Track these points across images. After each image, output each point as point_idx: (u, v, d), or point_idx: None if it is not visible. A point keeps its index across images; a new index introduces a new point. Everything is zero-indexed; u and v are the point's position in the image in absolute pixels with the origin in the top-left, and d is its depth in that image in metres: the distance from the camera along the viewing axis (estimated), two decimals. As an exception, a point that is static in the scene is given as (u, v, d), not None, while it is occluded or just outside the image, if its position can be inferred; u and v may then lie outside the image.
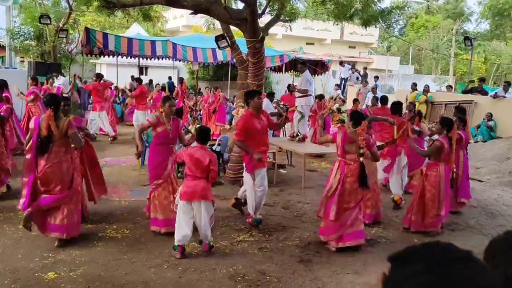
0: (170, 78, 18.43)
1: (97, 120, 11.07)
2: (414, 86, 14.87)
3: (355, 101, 11.38)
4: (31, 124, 4.68)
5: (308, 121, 11.90)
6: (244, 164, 5.56)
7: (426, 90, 14.21)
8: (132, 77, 18.61)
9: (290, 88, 11.85)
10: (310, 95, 9.14)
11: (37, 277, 3.96)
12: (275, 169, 8.13)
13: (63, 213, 4.63)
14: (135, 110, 11.96)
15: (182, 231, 4.50)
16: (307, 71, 9.13)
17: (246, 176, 5.51)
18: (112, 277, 4.04)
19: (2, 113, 6.40)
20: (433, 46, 35.34)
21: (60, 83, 12.20)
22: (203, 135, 4.77)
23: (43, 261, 4.28)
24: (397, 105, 7.19)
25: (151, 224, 5.19)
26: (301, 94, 9.03)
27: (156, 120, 5.19)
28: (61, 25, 14.43)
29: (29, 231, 4.63)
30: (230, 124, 11.30)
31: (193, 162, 4.55)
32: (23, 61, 19.12)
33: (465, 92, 14.86)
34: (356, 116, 4.99)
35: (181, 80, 13.46)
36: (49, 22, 13.49)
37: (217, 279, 4.11)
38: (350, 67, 19.28)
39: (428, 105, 13.91)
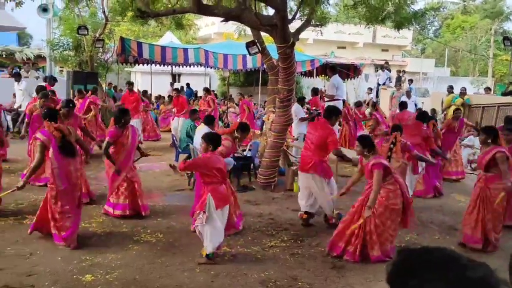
0: (188, 85, 18.61)
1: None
2: (450, 89, 14.46)
3: (374, 104, 11.21)
4: (41, 136, 4.89)
5: (340, 125, 11.77)
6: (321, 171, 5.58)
7: (463, 92, 13.81)
8: (171, 84, 19.04)
9: (316, 92, 11.87)
10: (338, 99, 9.11)
11: (75, 279, 4.10)
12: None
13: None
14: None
15: (219, 239, 4.50)
16: (336, 75, 9.10)
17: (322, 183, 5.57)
18: (147, 281, 4.13)
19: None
20: (470, 47, 34.29)
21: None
22: (213, 141, 4.73)
23: (81, 264, 4.42)
24: (422, 114, 7.40)
25: None
26: (329, 99, 9.04)
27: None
28: (97, 35, 14.91)
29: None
30: (261, 129, 11.34)
31: (223, 168, 4.61)
32: (62, 71, 19.87)
33: (504, 94, 14.34)
34: (364, 141, 4.87)
35: (207, 90, 13.63)
36: (86, 32, 13.96)
37: (249, 284, 4.12)
38: (389, 73, 18.91)
39: (466, 108, 13.49)
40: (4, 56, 21.83)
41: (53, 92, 9.77)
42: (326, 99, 9.15)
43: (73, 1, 11.22)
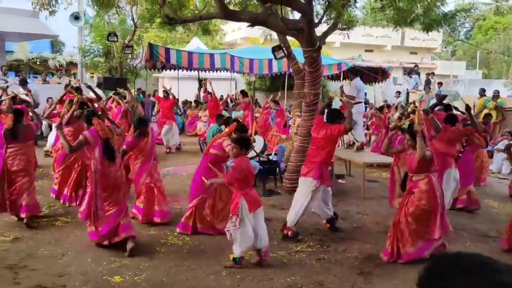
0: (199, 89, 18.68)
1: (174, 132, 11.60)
2: (482, 92, 14.05)
3: (409, 115, 10.81)
4: (89, 135, 4.85)
5: (368, 129, 11.63)
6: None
7: (496, 95, 13.38)
8: (199, 89, 19.23)
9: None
10: (360, 102, 9.05)
11: (105, 280, 4.19)
12: (333, 179, 8.00)
13: None
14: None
15: (247, 244, 4.47)
16: (358, 78, 9.03)
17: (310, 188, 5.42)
18: (173, 283, 4.17)
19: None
20: (503, 48, 33.23)
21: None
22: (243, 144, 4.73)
23: (110, 265, 4.51)
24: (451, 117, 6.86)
25: None
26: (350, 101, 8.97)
27: None
28: (126, 41, 15.28)
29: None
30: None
31: (251, 172, 4.63)
32: (93, 77, 20.41)
33: (540, 96, 13.81)
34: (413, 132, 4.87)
35: (245, 93, 13.68)
36: (116, 39, 14.31)
37: (275, 289, 4.11)
38: (418, 78, 18.53)
39: (499, 112, 13.07)
40: (38, 63, 22.63)
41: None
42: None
43: (103, 9, 11.51)
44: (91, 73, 20.63)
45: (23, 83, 11.42)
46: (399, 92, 17.86)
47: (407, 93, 17.96)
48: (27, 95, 8.04)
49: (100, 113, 5.94)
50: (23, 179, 5.64)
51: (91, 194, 4.83)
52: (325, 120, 5.59)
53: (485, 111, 12.14)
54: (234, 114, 13.91)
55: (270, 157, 8.29)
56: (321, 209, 5.62)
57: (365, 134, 12.08)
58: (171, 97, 11.78)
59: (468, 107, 6.57)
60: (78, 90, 10.28)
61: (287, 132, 10.97)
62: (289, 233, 5.40)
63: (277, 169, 8.11)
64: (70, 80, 12.19)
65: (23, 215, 5.60)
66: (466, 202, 6.88)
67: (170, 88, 12.19)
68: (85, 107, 7.07)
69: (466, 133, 6.50)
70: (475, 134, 6.69)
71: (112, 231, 4.86)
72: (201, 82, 16.11)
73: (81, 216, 5.04)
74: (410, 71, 19.16)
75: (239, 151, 4.57)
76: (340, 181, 8.46)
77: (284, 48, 8.29)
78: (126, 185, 5.22)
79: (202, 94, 16.01)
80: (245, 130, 5.94)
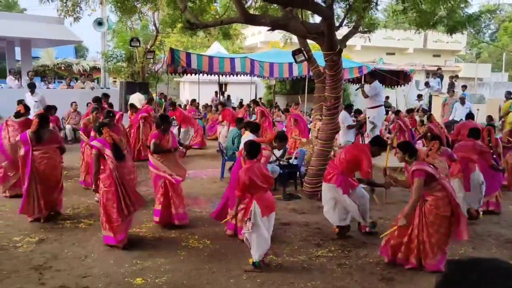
0: (228, 97, 18.64)
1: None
2: (508, 95, 13.71)
3: (430, 117, 10.63)
4: (97, 144, 5.21)
5: (390, 133, 11.49)
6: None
7: (523, 98, 13.04)
8: (216, 93, 19.37)
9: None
10: (380, 105, 9.00)
11: (127, 282, 4.24)
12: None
13: None
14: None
15: (265, 247, 4.50)
16: (376, 81, 8.98)
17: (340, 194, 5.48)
18: (194, 286, 4.19)
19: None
20: (530, 50, 32.39)
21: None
22: (252, 151, 4.75)
23: (132, 267, 4.56)
24: (474, 131, 6.93)
25: None
26: (371, 105, 8.94)
27: None
28: (148, 47, 15.51)
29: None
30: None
31: (263, 176, 4.59)
32: (115, 81, 20.79)
33: None
34: (405, 147, 4.81)
35: (256, 102, 13.70)
36: (138, 44, 14.54)
37: (295, 294, 4.08)
38: (439, 80, 18.26)
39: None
40: (63, 68, 23.20)
41: (111, 105, 10.21)
42: (368, 105, 9.09)
43: (126, 14, 11.73)
44: (113, 78, 21.01)
45: (31, 86, 11.52)
46: (420, 95, 17.58)
47: (430, 96, 17.67)
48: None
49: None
50: (51, 181, 5.94)
51: (113, 193, 4.96)
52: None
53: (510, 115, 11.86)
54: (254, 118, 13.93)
55: (291, 161, 8.27)
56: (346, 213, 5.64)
57: (387, 138, 11.93)
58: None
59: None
60: (107, 96, 10.52)
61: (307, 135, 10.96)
62: (367, 229, 5.68)
63: (297, 173, 8.08)
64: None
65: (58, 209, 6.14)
66: (495, 205, 6.99)
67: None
68: (111, 115, 7.24)
69: (481, 151, 6.55)
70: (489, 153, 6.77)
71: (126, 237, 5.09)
72: (221, 86, 16.22)
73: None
74: (433, 74, 18.87)
75: (247, 155, 4.69)
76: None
77: (304, 52, 8.27)
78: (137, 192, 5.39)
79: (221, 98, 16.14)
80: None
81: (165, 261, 4.73)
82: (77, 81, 17.52)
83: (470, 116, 9.32)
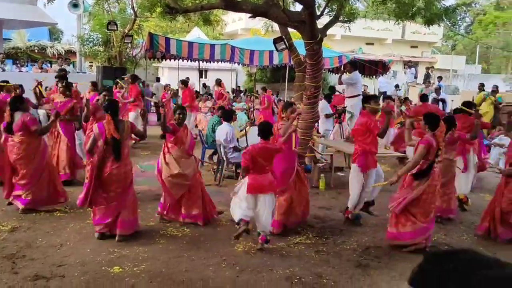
0: (158, 79, 18.69)
1: None
2: (481, 87, 14.05)
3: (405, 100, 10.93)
4: (95, 129, 4.91)
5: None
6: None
7: (495, 90, 13.38)
8: (219, 81, 19.23)
9: (333, 90, 11.95)
10: (359, 95, 9.14)
11: (104, 271, 4.19)
12: (332, 171, 8.01)
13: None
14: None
15: (243, 211, 4.67)
16: (356, 72, 9.09)
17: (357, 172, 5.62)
18: (173, 274, 4.18)
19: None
20: (503, 43, 33.17)
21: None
22: (265, 131, 4.84)
23: (109, 256, 4.51)
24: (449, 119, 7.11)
25: None
26: (350, 95, 9.07)
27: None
28: (126, 31, 15.15)
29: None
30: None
31: (262, 157, 4.66)
32: (92, 66, 20.28)
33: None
34: (431, 119, 4.95)
35: (218, 82, 13.69)
36: (115, 28, 14.20)
37: (274, 280, 4.12)
38: (413, 71, 18.58)
39: (497, 107, 13.08)
40: (36, 51, 22.46)
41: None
42: (347, 94, 9.22)
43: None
44: (90, 62, 20.51)
45: None
46: (397, 85, 17.84)
47: (407, 87, 17.96)
48: None
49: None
50: (25, 168, 5.69)
51: (89, 182, 4.83)
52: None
53: (484, 106, 12.17)
54: (235, 105, 13.93)
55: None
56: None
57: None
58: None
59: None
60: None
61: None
62: (349, 216, 5.76)
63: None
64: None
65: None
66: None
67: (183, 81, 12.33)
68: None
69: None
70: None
71: (110, 223, 4.91)
72: (202, 72, 16.10)
73: (78, 202, 5.04)
74: (405, 65, 19.19)
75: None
76: (339, 173, 8.47)
77: (285, 40, 8.23)
78: (131, 184, 5.13)
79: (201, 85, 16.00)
80: (290, 104, 5.85)
81: (144, 250, 4.69)
82: (50, 65, 17.02)
83: (425, 99, 9.70)
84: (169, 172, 5.38)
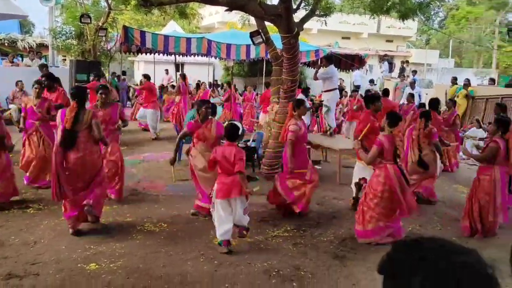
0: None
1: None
2: (454, 80, 14.39)
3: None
4: (58, 116, 4.80)
5: (344, 116, 11.77)
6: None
7: (467, 84, 13.72)
8: (167, 71, 18.99)
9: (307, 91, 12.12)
10: (335, 89, 9.25)
11: (80, 268, 4.13)
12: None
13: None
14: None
15: (224, 227, 4.53)
16: (332, 66, 9.18)
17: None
18: (150, 269, 4.15)
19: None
20: (475, 38, 34.00)
21: None
22: (231, 133, 4.80)
23: (85, 253, 4.44)
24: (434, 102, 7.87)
25: None
26: (326, 89, 9.15)
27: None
28: (100, 24, 14.85)
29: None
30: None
31: (225, 159, 4.58)
32: (65, 60, 19.81)
33: (508, 86, 14.23)
34: (393, 117, 5.02)
35: (183, 76, 13.64)
36: (89, 21, 13.90)
37: (252, 273, 4.14)
38: (387, 65, 18.85)
39: (469, 100, 13.43)
40: (6, 44, 21.77)
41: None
42: (323, 88, 9.32)
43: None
44: (63, 56, 20.03)
45: None
46: (372, 80, 18.07)
47: (383, 80, 18.21)
48: None
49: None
50: None
51: (53, 174, 4.74)
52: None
53: (457, 99, 12.45)
54: (212, 100, 13.81)
55: (248, 144, 8.29)
56: None
57: (342, 121, 12.22)
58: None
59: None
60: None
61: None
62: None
63: (255, 155, 8.12)
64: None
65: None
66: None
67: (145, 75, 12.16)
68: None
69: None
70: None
71: (79, 215, 4.85)
72: (178, 66, 15.93)
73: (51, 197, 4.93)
74: (381, 59, 19.45)
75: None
76: (316, 167, 8.53)
77: (262, 34, 8.23)
78: (99, 172, 4.99)
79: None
80: (301, 102, 6.07)
81: (120, 246, 4.64)
82: (22, 58, 16.54)
83: (422, 105, 9.84)
84: (196, 166, 5.47)
